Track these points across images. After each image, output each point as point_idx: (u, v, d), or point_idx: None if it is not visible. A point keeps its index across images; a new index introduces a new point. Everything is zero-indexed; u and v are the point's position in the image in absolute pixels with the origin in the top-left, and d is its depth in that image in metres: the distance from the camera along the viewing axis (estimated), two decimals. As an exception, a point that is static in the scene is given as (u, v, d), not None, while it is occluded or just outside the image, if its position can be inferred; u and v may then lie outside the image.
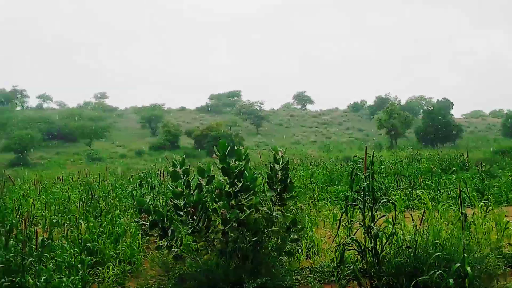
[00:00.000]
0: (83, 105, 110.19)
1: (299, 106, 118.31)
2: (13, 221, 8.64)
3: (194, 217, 6.52)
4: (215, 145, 6.79)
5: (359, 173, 6.41)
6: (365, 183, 6.13)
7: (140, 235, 9.51)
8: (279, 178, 6.76)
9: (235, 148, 6.64)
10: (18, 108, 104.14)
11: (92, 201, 11.97)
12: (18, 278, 5.86)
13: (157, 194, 12.65)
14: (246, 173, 6.52)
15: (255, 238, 6.40)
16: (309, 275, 7.22)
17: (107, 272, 7.68)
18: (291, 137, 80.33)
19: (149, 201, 6.81)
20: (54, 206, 12.76)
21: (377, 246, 6.02)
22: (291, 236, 6.87)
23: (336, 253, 6.06)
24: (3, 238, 7.34)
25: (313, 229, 9.12)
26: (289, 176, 6.89)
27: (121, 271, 8.02)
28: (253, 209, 6.54)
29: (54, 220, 10.42)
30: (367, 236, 6.13)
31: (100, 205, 11.78)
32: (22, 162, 54.76)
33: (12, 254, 6.79)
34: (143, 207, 6.57)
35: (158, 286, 7.10)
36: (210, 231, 6.59)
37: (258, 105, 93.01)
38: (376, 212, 6.26)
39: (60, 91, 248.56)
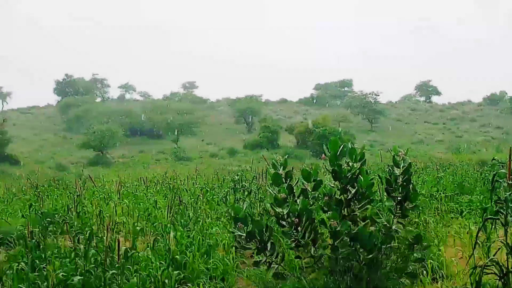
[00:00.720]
0: (170, 96, 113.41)
1: (423, 99, 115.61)
2: (93, 228, 9.07)
3: (299, 228, 6.53)
4: (324, 144, 6.76)
5: (500, 180, 6.16)
6: (509, 193, 5.88)
7: (234, 248, 9.67)
8: (399, 184, 6.62)
9: (350, 147, 6.57)
10: (98, 100, 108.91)
11: (180, 207, 12.28)
12: (100, 293, 6.13)
13: (254, 200, 12.80)
14: (361, 178, 6.44)
15: (370, 256, 6.31)
16: (437, 302, 7.05)
17: (197, 289, 7.85)
18: (412, 136, 78.68)
19: (245, 208, 6.88)
20: (137, 211, 13.22)
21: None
22: (414, 254, 6.72)
23: (471, 278, 5.85)
24: (83, 247, 7.72)
25: (441, 247, 8.88)
26: (412, 182, 6.74)
27: (213, 289, 8.18)
28: (368, 221, 6.46)
29: (138, 228, 10.78)
30: (510, 258, 5.88)
31: (188, 212, 12.05)
32: (101, 160, 57.14)
33: (92, 265, 7.11)
34: (239, 216, 6.65)
35: (255, 308, 7.18)
36: (317, 245, 6.57)
37: (372, 96, 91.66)
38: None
39: (144, 80, 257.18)
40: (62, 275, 6.85)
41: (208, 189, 16.01)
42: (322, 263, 6.50)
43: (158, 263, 7.97)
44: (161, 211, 13.31)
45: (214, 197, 14.68)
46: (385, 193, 6.85)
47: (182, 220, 11.23)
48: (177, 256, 8.53)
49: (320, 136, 55.08)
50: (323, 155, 6.77)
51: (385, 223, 6.66)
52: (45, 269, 7.31)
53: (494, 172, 6.30)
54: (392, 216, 6.66)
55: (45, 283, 6.51)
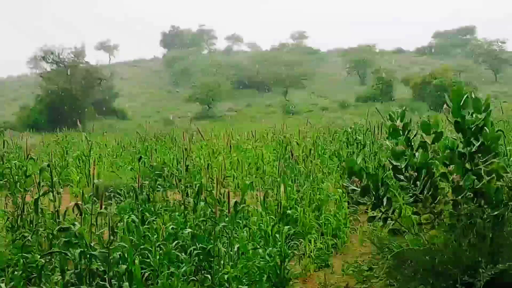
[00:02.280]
0: (279, 47, 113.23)
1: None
2: (202, 181, 9.26)
3: (417, 183, 6.42)
4: (446, 94, 6.56)
5: None
6: None
7: (346, 203, 9.66)
8: (530, 136, 6.36)
9: (473, 96, 6.35)
10: (205, 52, 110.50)
11: (290, 161, 12.33)
12: (210, 246, 6.27)
13: (368, 154, 12.69)
14: (487, 130, 6.22)
15: (496, 212, 6.12)
16: None
17: (309, 245, 7.91)
18: (544, 86, 75.15)
19: (360, 161, 6.82)
20: (246, 166, 13.41)
21: None
22: (545, 212, 6.47)
23: None
24: (192, 201, 7.92)
25: None
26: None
27: (325, 246, 8.22)
28: (494, 175, 6.25)
29: (247, 182, 10.92)
30: None
31: (299, 166, 12.10)
32: (208, 114, 58.24)
33: (202, 219, 7.29)
34: (353, 169, 6.60)
35: (369, 266, 7.17)
36: (437, 201, 6.44)
37: (498, 44, 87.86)
38: None
39: (252, 31, 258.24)
40: (172, 228, 7.06)
41: (320, 143, 15.98)
42: (442, 220, 6.37)
43: (268, 218, 8.07)
44: (271, 165, 13.44)
45: (326, 151, 14.65)
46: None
47: (292, 175, 11.30)
48: (287, 211, 8.60)
49: (439, 88, 53.62)
50: (445, 106, 6.58)
51: (513, 177, 6.44)
52: (155, 222, 7.57)
53: None
54: (521, 170, 6.43)
55: (155, 236, 6.73)
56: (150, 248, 6.38)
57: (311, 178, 10.73)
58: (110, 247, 5.69)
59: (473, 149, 6.28)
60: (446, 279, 5.60)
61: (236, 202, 6.97)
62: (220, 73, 75.79)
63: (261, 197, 8.98)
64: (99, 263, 5.67)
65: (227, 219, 6.85)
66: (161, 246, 6.42)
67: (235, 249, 6.41)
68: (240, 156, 14.92)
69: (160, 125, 44.45)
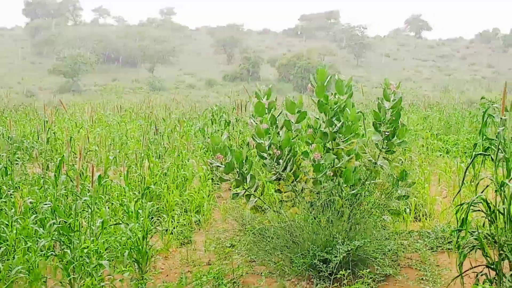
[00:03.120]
0: (146, 22, 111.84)
1: (413, 33, 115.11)
2: (64, 154, 8.99)
3: (280, 161, 6.52)
4: (311, 74, 6.69)
5: (493, 116, 6.13)
6: (501, 128, 5.87)
7: (211, 180, 9.69)
8: (388, 119, 6.60)
9: (337, 78, 6.52)
10: (70, 23, 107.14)
11: (156, 137, 12.22)
12: (70, 220, 6.09)
13: (233, 132, 12.78)
14: (348, 111, 6.41)
15: (353, 191, 6.34)
16: (419, 240, 7.12)
17: (172, 221, 7.88)
18: (400, 72, 78.69)
19: (225, 139, 6.84)
20: (110, 140, 13.15)
21: (512, 208, 5.82)
22: (398, 191, 6.76)
23: (457, 215, 5.89)
24: (53, 174, 7.65)
25: (425, 185, 8.97)
26: (401, 117, 6.72)
27: (188, 222, 8.22)
28: (353, 155, 6.46)
29: (111, 157, 10.72)
30: (499, 196, 5.92)
31: (164, 142, 12.01)
32: (72, 88, 56.72)
33: (63, 192, 7.07)
34: (218, 146, 6.60)
35: (231, 242, 7.23)
36: (298, 179, 6.58)
37: (360, 29, 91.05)
38: (512, 166, 6.03)
39: (120, 4, 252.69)
40: (31, 202, 6.81)
41: (185, 120, 15.93)
42: (303, 197, 6.51)
43: (131, 193, 7.96)
44: (135, 140, 13.26)
45: (191, 128, 14.63)
46: (368, 129, 6.85)
47: (157, 151, 11.20)
48: (151, 187, 8.53)
49: (303, 69, 54.92)
50: (309, 86, 6.71)
51: (370, 158, 6.68)
52: (12, 196, 7.25)
53: (486, 108, 6.27)
54: (378, 151, 6.67)
55: (13, 210, 6.46)
56: (6, 222, 6.11)
57: (176, 154, 10.67)
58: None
59: (335, 129, 6.46)
60: (305, 255, 5.73)
61: (99, 176, 6.80)
62: (85, 46, 73.75)
63: (125, 172, 8.82)
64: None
65: (89, 193, 6.67)
66: (18, 220, 6.16)
67: (97, 223, 6.25)
68: (104, 131, 14.62)
69: (21, 97, 42.70)
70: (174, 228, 7.77)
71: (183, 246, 7.49)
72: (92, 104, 26.49)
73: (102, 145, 12.48)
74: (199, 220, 8.45)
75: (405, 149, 10.58)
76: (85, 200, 6.28)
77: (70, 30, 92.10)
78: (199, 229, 8.29)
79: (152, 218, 7.70)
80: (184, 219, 8.16)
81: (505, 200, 5.75)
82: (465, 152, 12.77)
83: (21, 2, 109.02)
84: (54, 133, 13.30)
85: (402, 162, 9.20)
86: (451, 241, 6.65)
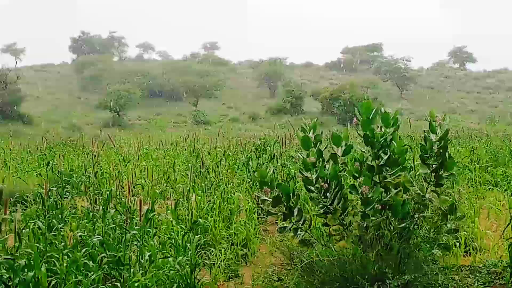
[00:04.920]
0: (190, 57, 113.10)
1: (457, 65, 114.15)
2: (112, 189, 9.11)
3: (327, 194, 6.52)
4: (356, 107, 6.70)
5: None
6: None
7: (257, 214, 9.71)
8: (435, 151, 6.56)
9: (383, 111, 6.52)
10: (116, 59, 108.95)
11: (201, 171, 12.31)
12: (120, 254, 6.17)
13: (278, 166, 12.80)
14: (395, 143, 6.39)
15: (402, 225, 6.29)
16: (469, 275, 7.02)
17: (219, 255, 7.90)
18: (444, 104, 77.80)
19: (271, 172, 6.87)
20: (156, 174, 13.28)
21: None
22: (448, 225, 6.69)
23: (509, 250, 5.81)
24: (101, 208, 7.77)
25: (474, 219, 8.85)
26: (448, 149, 6.68)
27: (234, 255, 8.23)
28: (401, 188, 6.42)
29: (158, 191, 10.82)
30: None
31: (210, 176, 12.08)
32: (118, 122, 57.46)
33: (112, 226, 7.17)
34: (265, 179, 6.63)
35: (279, 276, 7.21)
36: (346, 212, 6.57)
37: (403, 62, 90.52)
38: None
39: (164, 40, 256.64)
40: (80, 235, 6.91)
41: (230, 153, 16.00)
42: (351, 231, 6.49)
43: (178, 227, 8.01)
44: (181, 174, 13.37)
45: (237, 161, 14.69)
46: (418, 161, 6.80)
47: (203, 184, 11.27)
48: (198, 220, 8.57)
49: (347, 102, 54.83)
50: (355, 120, 6.72)
51: (419, 191, 6.63)
52: (62, 229, 7.37)
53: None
54: (426, 184, 6.62)
55: (63, 243, 6.56)
56: (57, 256, 6.21)
57: (222, 188, 10.73)
58: (16, 254, 5.51)
59: (381, 162, 6.43)
60: (354, 289, 5.70)
61: (147, 210, 6.88)
62: (130, 81, 74.85)
63: (172, 206, 8.89)
64: (4, 271, 5.48)
65: (137, 227, 6.74)
66: (68, 254, 6.26)
67: (146, 257, 6.31)
68: (150, 164, 14.78)
69: (69, 132, 43.48)
70: (221, 261, 7.79)
71: (231, 280, 7.51)
72: (138, 138, 26.81)
73: (149, 179, 12.61)
74: (246, 253, 8.46)
75: (453, 182, 10.47)
76: (133, 233, 6.35)
77: (115, 66, 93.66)
78: (246, 263, 8.29)
79: (199, 251, 7.73)
80: (231, 253, 8.17)
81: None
82: (514, 185, 12.58)
83: (67, 39, 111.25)
84: (101, 167, 13.49)
85: (450, 195, 9.11)
86: (504, 276, 6.54)
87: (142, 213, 6.63)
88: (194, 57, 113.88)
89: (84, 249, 6.42)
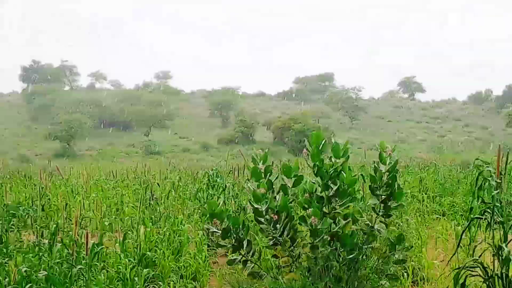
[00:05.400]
0: (142, 87, 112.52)
1: (406, 95, 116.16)
2: (59, 222, 8.94)
3: (277, 226, 6.49)
4: (306, 138, 6.72)
5: (488, 178, 6.13)
6: (496, 191, 5.87)
7: (207, 246, 9.61)
8: (384, 182, 6.61)
9: (333, 141, 6.55)
10: (67, 88, 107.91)
11: (151, 203, 12.18)
12: (65, 289, 6.02)
13: (229, 197, 12.73)
14: (344, 174, 6.42)
15: (351, 256, 6.30)
16: (418, 306, 7.05)
17: (167, 288, 7.78)
18: (394, 134, 78.99)
19: (221, 203, 6.82)
20: (105, 206, 13.08)
21: (510, 273, 5.77)
22: (396, 255, 6.72)
23: (454, 280, 5.83)
24: (47, 242, 7.60)
25: (422, 249, 8.90)
26: (398, 180, 6.73)
27: (184, 289, 8.11)
28: (350, 219, 6.44)
29: (106, 223, 10.66)
30: (496, 260, 5.88)
31: (159, 207, 11.96)
32: (68, 153, 56.77)
33: (58, 261, 7.00)
34: (215, 211, 6.59)
35: (228, 309, 7.13)
36: (295, 244, 6.55)
37: (354, 92, 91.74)
38: (509, 229, 6.01)
39: (116, 69, 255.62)
40: (25, 270, 6.73)
41: (180, 184, 15.89)
42: (300, 263, 6.47)
43: (127, 260, 7.87)
44: (131, 206, 13.20)
45: (187, 192, 14.59)
46: (367, 191, 6.84)
47: (152, 216, 11.14)
48: (147, 253, 8.45)
49: (298, 132, 55.23)
50: (305, 150, 6.74)
51: (367, 222, 6.65)
52: (7, 264, 7.17)
53: (479, 171, 6.28)
54: (375, 215, 6.65)
55: (7, 279, 6.38)
56: (0, 292, 6.03)
57: (172, 220, 10.60)
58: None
59: (331, 193, 6.45)
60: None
61: (94, 243, 6.75)
62: (81, 111, 74.13)
63: (120, 238, 8.74)
64: None
65: (84, 261, 6.60)
66: (12, 290, 6.08)
67: (92, 292, 6.18)
68: (100, 196, 14.55)
69: (17, 163, 42.69)
70: (170, 295, 7.66)
71: (180, 314, 7.39)
72: (88, 169, 26.45)
73: (98, 211, 12.41)
74: (195, 287, 8.34)
75: (401, 212, 10.55)
76: (80, 268, 6.22)
77: (66, 95, 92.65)
78: (196, 297, 8.18)
79: (148, 285, 7.60)
80: (180, 286, 8.05)
81: (502, 264, 5.72)
82: (461, 215, 12.73)
83: (18, 68, 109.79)
84: (49, 199, 13.24)
85: (399, 225, 9.18)
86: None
87: (88, 246, 6.50)
88: (147, 86, 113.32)
89: (28, 285, 6.26)
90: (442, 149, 56.02)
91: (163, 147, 63.47)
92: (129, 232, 9.48)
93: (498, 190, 5.92)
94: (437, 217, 12.64)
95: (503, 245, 5.84)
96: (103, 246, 7.70)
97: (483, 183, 6.17)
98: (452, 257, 6.41)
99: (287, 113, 78.16)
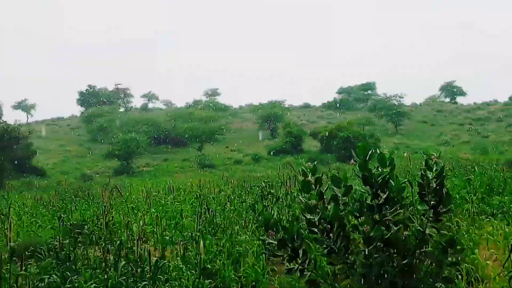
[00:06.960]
0: (193, 104, 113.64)
1: (448, 100, 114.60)
2: (122, 238, 9.08)
3: (330, 235, 6.48)
4: (353, 149, 6.70)
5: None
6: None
7: (264, 255, 9.63)
8: (432, 188, 6.53)
9: (378, 151, 6.51)
10: (122, 110, 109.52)
11: (208, 215, 12.27)
12: (132, 304, 6.12)
13: (283, 207, 12.75)
14: (392, 182, 6.37)
15: (405, 261, 6.24)
16: (474, 306, 6.95)
17: (229, 298, 7.83)
18: (438, 137, 77.84)
19: (275, 215, 6.84)
20: (165, 221, 13.23)
21: None
22: (449, 258, 6.63)
23: (509, 282, 5.75)
24: (112, 258, 7.73)
25: (474, 250, 8.78)
26: (445, 185, 6.65)
27: (245, 298, 8.16)
28: (401, 225, 6.38)
29: (167, 237, 10.78)
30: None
31: (216, 220, 12.04)
32: (127, 170, 57.48)
33: (123, 277, 7.12)
34: (269, 223, 6.60)
35: (288, 316, 7.13)
36: (349, 252, 6.51)
37: (396, 99, 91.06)
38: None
39: (167, 89, 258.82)
40: (94, 286, 6.87)
41: (235, 196, 15.98)
42: (355, 270, 6.43)
43: (188, 273, 7.95)
44: (189, 219, 13.32)
45: (242, 204, 14.65)
46: (416, 197, 6.77)
47: (210, 228, 11.23)
48: (207, 265, 8.51)
49: (345, 140, 54.93)
50: (352, 161, 6.71)
51: (419, 227, 6.58)
52: (76, 280, 7.32)
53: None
54: (426, 220, 6.58)
55: (77, 295, 6.52)
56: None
57: (229, 231, 10.67)
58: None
59: (381, 201, 6.41)
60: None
61: (157, 259, 6.84)
62: (137, 130, 75.03)
63: (181, 251, 8.85)
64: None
65: (148, 276, 6.70)
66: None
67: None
68: (159, 211, 14.73)
69: (80, 182, 43.50)
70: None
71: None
72: (146, 184, 26.77)
73: (158, 226, 12.57)
74: (255, 295, 8.38)
75: (451, 216, 10.41)
76: (145, 283, 6.32)
77: (122, 116, 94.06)
78: (255, 305, 8.21)
79: (209, 296, 7.66)
80: (241, 295, 8.10)
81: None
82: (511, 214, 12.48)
83: (75, 93, 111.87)
84: (112, 216, 13.47)
85: (449, 228, 9.05)
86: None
87: (151, 262, 6.60)
88: (197, 104, 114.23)
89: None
90: (487, 150, 55.03)
91: (216, 161, 63.74)
92: (188, 245, 9.57)
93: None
94: (487, 218, 12.43)
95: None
96: (164, 262, 7.80)
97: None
98: (507, 259, 6.31)
99: (333, 123, 77.84)
